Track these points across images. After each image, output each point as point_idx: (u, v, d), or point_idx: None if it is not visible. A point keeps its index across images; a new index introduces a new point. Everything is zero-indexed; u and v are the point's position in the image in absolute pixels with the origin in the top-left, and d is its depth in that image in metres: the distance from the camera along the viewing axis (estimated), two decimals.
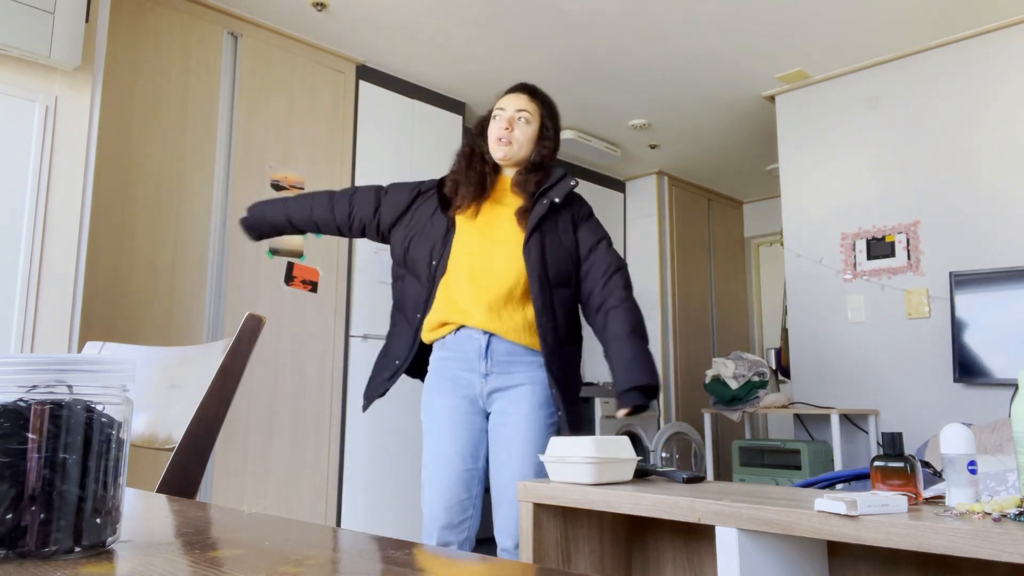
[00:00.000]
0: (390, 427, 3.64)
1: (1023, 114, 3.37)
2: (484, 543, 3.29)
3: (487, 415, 1.99)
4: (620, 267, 2.00)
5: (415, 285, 2.01)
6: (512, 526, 1.88)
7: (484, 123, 2.09)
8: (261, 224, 2.19)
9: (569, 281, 1.98)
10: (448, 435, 1.95)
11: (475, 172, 2.02)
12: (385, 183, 2.02)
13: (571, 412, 1.95)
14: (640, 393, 1.89)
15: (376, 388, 2.02)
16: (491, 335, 1.93)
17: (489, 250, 1.96)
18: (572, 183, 1.99)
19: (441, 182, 2.09)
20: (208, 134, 3.24)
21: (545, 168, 2.04)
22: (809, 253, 3.97)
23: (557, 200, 1.96)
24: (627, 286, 1.99)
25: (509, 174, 2.06)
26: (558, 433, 1.95)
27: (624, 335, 1.91)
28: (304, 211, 2.15)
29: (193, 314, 3.10)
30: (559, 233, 1.98)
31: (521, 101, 2.02)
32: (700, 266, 5.75)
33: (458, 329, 1.96)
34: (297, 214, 2.16)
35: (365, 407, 2.04)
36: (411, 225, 2.04)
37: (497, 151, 2.00)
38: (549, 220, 1.97)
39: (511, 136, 1.99)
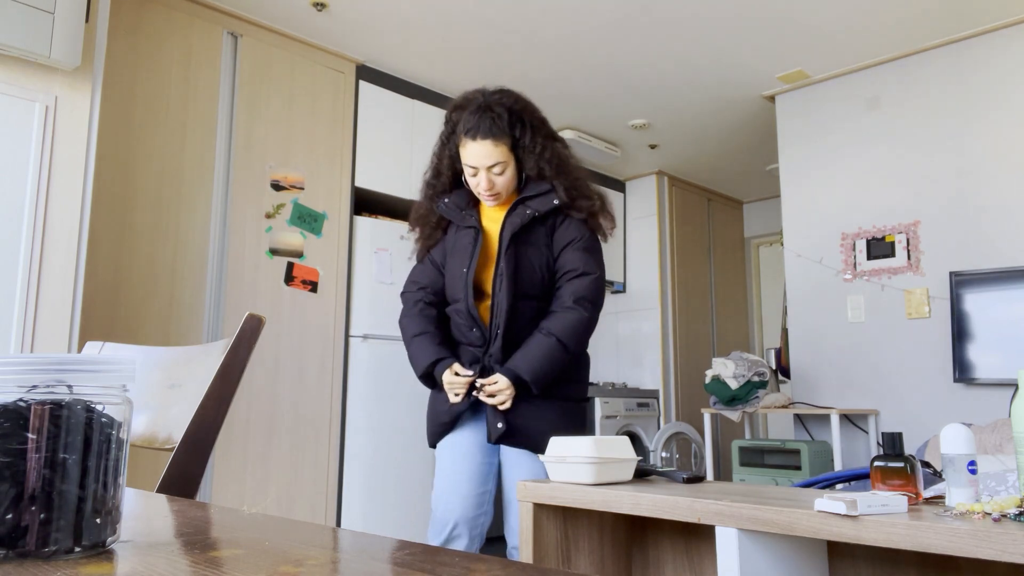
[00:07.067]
0: (390, 427, 3.64)
1: (1023, 114, 3.37)
2: (492, 541, 3.30)
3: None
4: (581, 272, 1.96)
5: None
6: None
7: (455, 150, 2.05)
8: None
9: (535, 295, 1.98)
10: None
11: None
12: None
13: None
14: (514, 375, 1.89)
15: (438, 427, 2.03)
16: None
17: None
18: (555, 201, 1.96)
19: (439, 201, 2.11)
20: (208, 134, 3.24)
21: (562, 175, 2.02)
22: (809, 253, 3.97)
23: (538, 213, 1.96)
24: (577, 293, 1.93)
25: None
26: (483, 372, 1.94)
27: (543, 330, 1.92)
28: (441, 327, 2.06)
29: (193, 314, 3.10)
30: (539, 246, 1.98)
31: (487, 151, 1.93)
32: (700, 266, 5.75)
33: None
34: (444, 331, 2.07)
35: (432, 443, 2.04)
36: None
37: (488, 201, 2.02)
38: (528, 230, 1.98)
39: (494, 190, 1.98)
